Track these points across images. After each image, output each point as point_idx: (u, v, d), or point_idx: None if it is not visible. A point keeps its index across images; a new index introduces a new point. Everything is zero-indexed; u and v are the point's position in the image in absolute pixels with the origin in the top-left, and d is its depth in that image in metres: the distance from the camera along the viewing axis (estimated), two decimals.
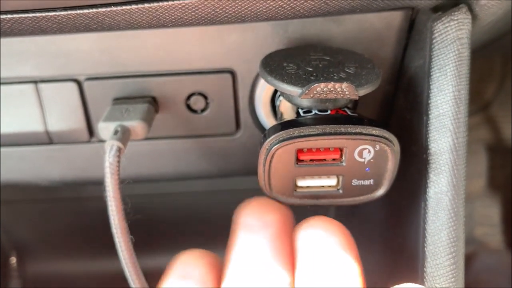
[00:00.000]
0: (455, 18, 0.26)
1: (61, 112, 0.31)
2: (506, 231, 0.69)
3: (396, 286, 0.23)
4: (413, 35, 0.29)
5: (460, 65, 0.26)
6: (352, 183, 0.26)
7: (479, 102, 0.72)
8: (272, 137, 0.25)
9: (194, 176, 0.34)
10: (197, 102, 0.31)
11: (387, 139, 0.25)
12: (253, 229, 0.25)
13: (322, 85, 0.23)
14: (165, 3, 0.24)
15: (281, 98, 0.29)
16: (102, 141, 0.33)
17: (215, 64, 0.30)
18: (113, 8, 0.25)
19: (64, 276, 0.55)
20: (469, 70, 0.27)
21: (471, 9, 0.26)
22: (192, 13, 0.25)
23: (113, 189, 0.26)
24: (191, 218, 0.51)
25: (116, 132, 0.28)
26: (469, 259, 0.66)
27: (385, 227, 0.33)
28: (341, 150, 0.25)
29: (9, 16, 0.24)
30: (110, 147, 0.26)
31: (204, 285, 0.25)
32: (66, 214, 0.52)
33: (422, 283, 0.27)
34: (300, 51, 0.27)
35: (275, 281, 0.23)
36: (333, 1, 0.25)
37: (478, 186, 0.71)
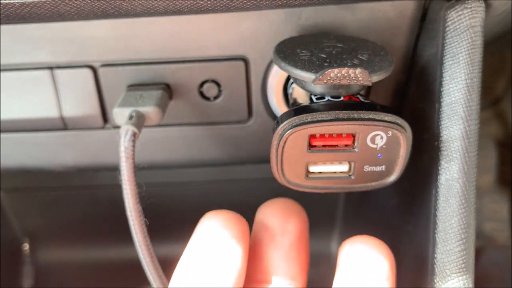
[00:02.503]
0: (469, 6, 0.26)
1: (76, 98, 0.32)
2: None
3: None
4: (426, 23, 0.29)
5: (473, 53, 0.26)
6: (364, 169, 0.26)
7: (489, 97, 0.72)
8: (285, 122, 0.25)
9: (206, 163, 0.35)
10: (210, 90, 0.32)
11: (399, 125, 0.25)
12: (274, 234, 0.27)
13: (336, 70, 0.24)
14: None
15: (293, 85, 0.30)
16: (116, 127, 0.33)
17: (228, 52, 0.30)
18: None
19: (76, 263, 0.56)
20: (481, 59, 0.27)
21: None
22: None
23: (128, 173, 0.26)
24: (202, 207, 0.52)
25: (131, 117, 0.28)
26: (477, 254, 0.66)
27: (396, 214, 0.34)
28: (353, 136, 0.25)
29: (28, 0, 0.25)
30: (125, 131, 0.27)
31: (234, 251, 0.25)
32: (79, 202, 0.53)
33: (432, 269, 0.27)
34: (314, 38, 0.28)
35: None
36: None
37: (487, 181, 0.70)
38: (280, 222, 0.27)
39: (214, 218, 0.26)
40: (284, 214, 0.27)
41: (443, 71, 0.27)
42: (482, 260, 0.66)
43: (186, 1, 0.25)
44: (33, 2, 0.25)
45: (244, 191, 0.50)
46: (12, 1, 0.25)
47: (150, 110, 0.29)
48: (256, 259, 0.27)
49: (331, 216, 0.53)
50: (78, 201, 0.52)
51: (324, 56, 0.26)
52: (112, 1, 0.25)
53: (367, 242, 0.25)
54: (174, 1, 0.25)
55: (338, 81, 0.24)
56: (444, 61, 0.27)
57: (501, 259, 0.68)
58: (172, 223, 0.51)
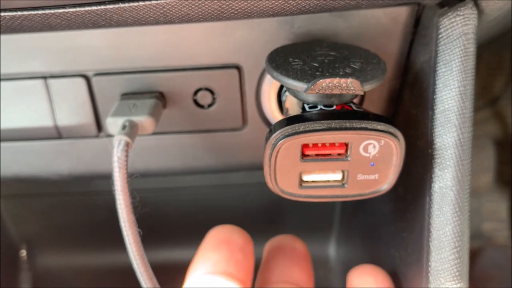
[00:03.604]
0: (461, 14, 0.26)
1: (70, 107, 0.32)
2: None
3: None
4: (419, 30, 0.29)
5: (466, 60, 0.26)
6: (357, 178, 0.26)
7: (487, 97, 0.71)
8: (278, 132, 0.25)
9: (200, 170, 0.35)
10: (204, 98, 0.32)
11: (392, 134, 0.25)
12: (286, 249, 0.32)
13: (328, 80, 0.24)
14: (172, 0, 0.25)
15: (287, 93, 0.30)
16: (110, 136, 0.33)
17: (221, 60, 0.30)
18: (121, 5, 0.25)
19: (74, 269, 0.56)
20: (474, 66, 0.27)
21: (477, 4, 0.26)
22: (199, 9, 0.25)
23: (121, 183, 0.26)
24: (198, 213, 0.52)
25: (124, 127, 0.28)
26: (476, 255, 0.66)
27: (389, 222, 0.34)
28: (346, 145, 0.25)
29: (19, 13, 0.25)
30: (118, 141, 0.27)
31: (244, 254, 0.29)
32: (75, 208, 0.53)
33: (427, 277, 0.27)
34: (306, 47, 0.28)
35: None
36: None
37: (485, 181, 0.70)
38: (289, 242, 0.32)
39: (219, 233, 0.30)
40: (291, 238, 0.33)
41: (436, 78, 0.27)
42: (481, 260, 0.66)
43: (176, 11, 0.25)
44: (23, 14, 0.25)
45: (239, 196, 0.50)
46: (2, 14, 0.25)
47: (143, 120, 0.29)
48: (270, 267, 0.31)
49: (328, 222, 0.53)
50: (75, 207, 0.52)
51: (317, 65, 0.26)
52: (103, 14, 0.25)
53: (370, 271, 0.30)
54: (164, 12, 0.25)
55: (330, 90, 0.24)
56: (437, 68, 0.27)
57: (501, 259, 0.68)
58: (167, 229, 0.52)
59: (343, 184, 0.27)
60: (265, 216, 0.52)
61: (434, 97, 0.27)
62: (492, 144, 0.70)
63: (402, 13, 0.28)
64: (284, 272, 0.30)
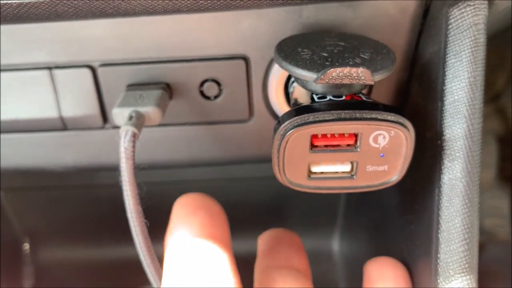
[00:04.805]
0: (472, 4, 0.26)
1: (75, 98, 0.32)
2: None
3: None
4: (428, 21, 0.29)
5: (476, 51, 0.26)
6: (367, 169, 0.26)
7: (489, 93, 0.71)
8: (287, 122, 0.25)
9: (207, 162, 0.35)
10: (211, 89, 0.31)
11: (402, 124, 0.25)
12: (284, 240, 0.33)
13: (338, 70, 0.23)
14: None
15: (294, 84, 0.29)
16: (116, 127, 0.33)
17: (228, 51, 0.30)
18: None
19: (77, 262, 0.55)
20: (485, 57, 0.26)
21: None
22: None
23: (128, 174, 0.26)
24: None
25: (130, 118, 0.28)
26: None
27: (397, 213, 0.33)
28: (356, 135, 0.25)
29: (26, 0, 0.25)
30: (125, 132, 0.27)
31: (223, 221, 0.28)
32: (79, 201, 0.52)
33: (435, 269, 0.27)
34: (315, 37, 0.27)
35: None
36: None
37: (488, 177, 0.70)
38: (286, 234, 0.33)
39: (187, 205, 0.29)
40: (286, 231, 0.33)
41: (445, 69, 0.27)
42: (482, 256, 0.66)
43: (185, 0, 0.25)
44: (30, 2, 0.25)
45: (246, 189, 0.50)
46: (9, 1, 0.25)
47: (150, 110, 0.29)
48: (271, 254, 0.31)
49: (332, 214, 0.53)
50: (78, 200, 0.52)
51: (326, 55, 0.25)
52: (111, 1, 0.25)
53: (388, 264, 0.30)
54: (174, 0, 0.25)
55: (340, 80, 0.24)
56: (446, 59, 0.27)
57: (502, 255, 0.68)
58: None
59: (352, 175, 0.27)
60: (269, 210, 0.52)
61: (444, 88, 0.27)
62: (494, 140, 0.70)
63: (410, 3, 0.28)
64: (286, 259, 0.31)
